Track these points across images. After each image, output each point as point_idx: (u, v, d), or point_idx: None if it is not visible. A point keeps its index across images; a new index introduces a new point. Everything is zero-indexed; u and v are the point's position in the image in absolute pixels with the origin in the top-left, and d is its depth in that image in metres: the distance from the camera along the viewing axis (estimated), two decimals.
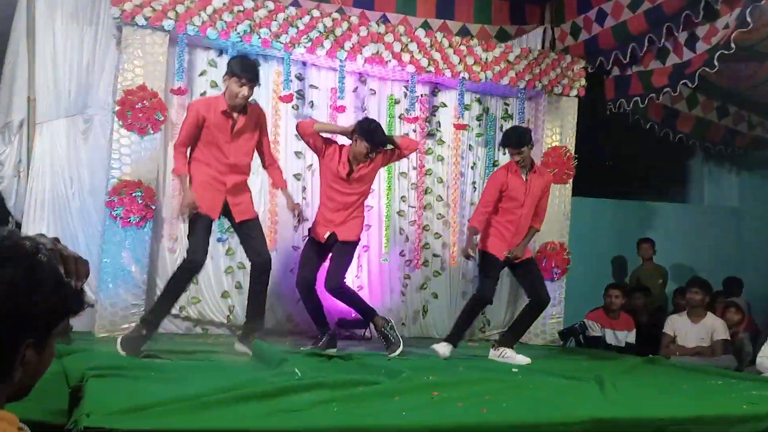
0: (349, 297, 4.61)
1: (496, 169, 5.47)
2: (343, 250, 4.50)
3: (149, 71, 4.89)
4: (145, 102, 4.81)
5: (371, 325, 5.15)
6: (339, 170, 4.42)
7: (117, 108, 4.81)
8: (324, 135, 4.50)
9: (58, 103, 4.91)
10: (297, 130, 4.56)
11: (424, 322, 5.99)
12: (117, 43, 5.00)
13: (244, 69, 3.93)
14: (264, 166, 4.37)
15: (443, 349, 4.62)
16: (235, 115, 3.99)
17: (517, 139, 4.64)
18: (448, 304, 6.06)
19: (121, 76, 4.86)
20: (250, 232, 4.15)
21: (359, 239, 4.67)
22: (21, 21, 4.82)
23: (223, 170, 4.01)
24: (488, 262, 4.75)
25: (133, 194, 4.73)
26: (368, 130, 4.35)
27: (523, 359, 4.61)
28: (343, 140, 4.58)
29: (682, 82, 5.54)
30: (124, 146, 4.82)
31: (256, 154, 4.23)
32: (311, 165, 5.58)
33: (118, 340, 3.87)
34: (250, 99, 4.03)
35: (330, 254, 4.55)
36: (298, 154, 5.55)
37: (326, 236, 4.47)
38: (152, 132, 4.87)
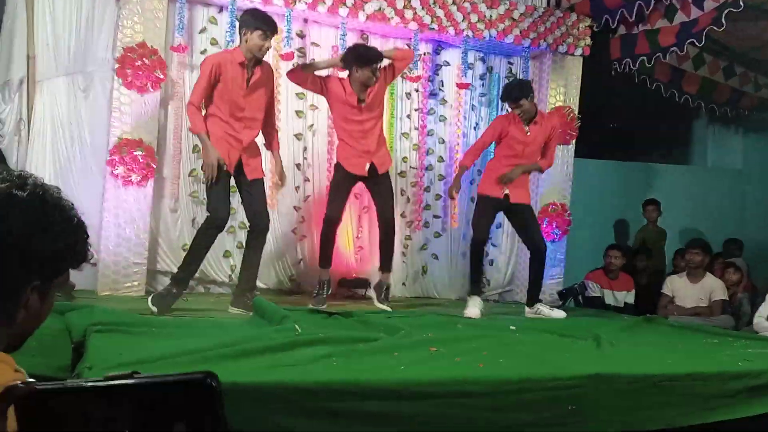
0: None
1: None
2: (388, 185, 4.63)
3: (148, 28, 4.83)
4: (144, 59, 4.77)
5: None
6: (349, 100, 4.44)
7: (117, 66, 4.76)
8: (319, 73, 4.54)
9: (58, 61, 4.86)
10: (291, 80, 4.59)
11: (424, 281, 6.03)
12: (116, 0, 4.92)
13: (267, 21, 3.98)
14: (263, 128, 4.35)
15: (473, 309, 4.69)
16: (250, 68, 4.03)
17: (516, 92, 4.67)
18: (448, 265, 6.09)
19: (120, 33, 4.80)
20: (254, 192, 4.19)
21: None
22: None
23: (238, 125, 4.06)
24: (481, 203, 4.84)
25: (134, 153, 4.72)
26: (363, 55, 4.39)
27: (558, 313, 4.81)
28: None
29: (689, 40, 5.45)
30: (125, 104, 4.79)
31: None
32: (312, 125, 5.55)
33: (149, 298, 3.97)
34: None
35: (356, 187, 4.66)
36: (298, 113, 5.52)
37: (367, 167, 4.50)
38: (152, 90, 4.83)
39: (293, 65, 5.41)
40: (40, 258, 1.04)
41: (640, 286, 6.25)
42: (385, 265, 4.77)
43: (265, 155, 4.50)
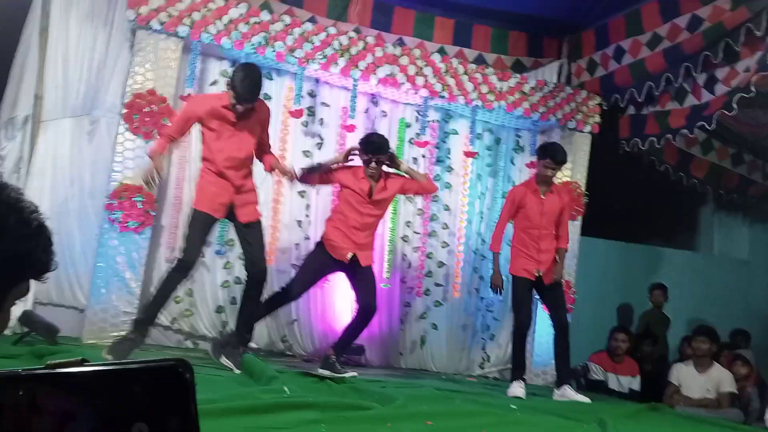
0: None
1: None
2: (371, 275, 4.43)
3: (160, 76, 4.84)
4: (153, 106, 4.75)
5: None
6: (361, 188, 4.34)
7: (124, 111, 4.74)
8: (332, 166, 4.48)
9: (66, 103, 4.85)
10: (303, 182, 4.54)
11: (421, 353, 5.81)
12: (130, 47, 4.96)
13: (240, 87, 3.82)
14: (258, 157, 4.20)
15: (514, 389, 4.57)
16: (238, 107, 3.90)
17: (563, 155, 4.71)
18: (447, 336, 5.88)
19: (131, 79, 4.80)
20: (249, 237, 4.06)
21: None
22: (35, 17, 4.79)
23: (227, 166, 3.95)
24: (517, 286, 4.76)
25: (134, 199, 4.63)
26: (368, 142, 4.37)
27: (583, 398, 4.61)
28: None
29: (699, 124, 5.45)
30: (129, 150, 4.74)
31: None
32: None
33: (104, 348, 3.75)
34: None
35: (333, 274, 4.53)
36: (302, 170, 5.43)
37: (349, 257, 4.32)
38: (158, 137, 4.78)
39: (302, 123, 5.43)
40: None
41: (644, 373, 6.02)
42: (340, 348, 4.43)
43: (267, 206, 4.39)
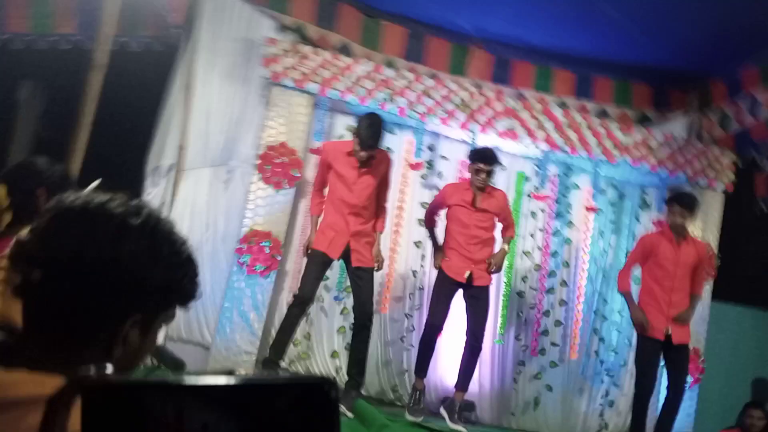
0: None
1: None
2: (484, 300, 4.52)
3: (291, 130, 5.14)
4: (284, 158, 5.04)
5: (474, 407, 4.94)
6: (464, 199, 4.49)
7: (258, 161, 5.06)
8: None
9: (206, 153, 5.24)
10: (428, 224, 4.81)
11: (535, 415, 5.58)
12: (264, 102, 5.31)
13: (360, 125, 4.19)
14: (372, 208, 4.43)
15: None
16: (362, 153, 4.18)
17: (692, 201, 4.54)
18: (563, 399, 5.62)
19: (264, 133, 5.13)
20: (359, 281, 4.22)
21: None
22: (181, 76, 5.26)
23: (345, 212, 4.19)
24: (643, 347, 4.51)
25: (262, 243, 4.88)
26: (476, 151, 4.60)
27: None
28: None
29: None
30: (260, 198, 5.03)
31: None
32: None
33: None
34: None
35: (462, 295, 4.53)
36: (420, 221, 5.52)
37: (466, 276, 4.41)
38: (287, 186, 5.07)
39: (421, 176, 5.54)
40: (144, 290, 0.97)
41: None
42: (461, 383, 4.54)
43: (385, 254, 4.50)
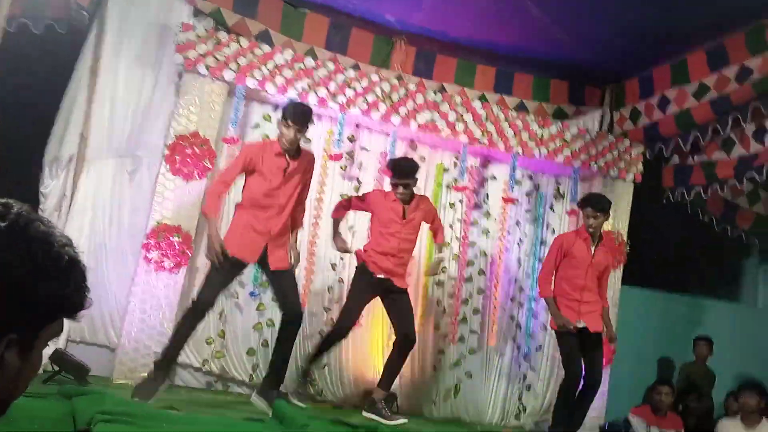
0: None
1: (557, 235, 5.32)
2: (407, 302, 4.55)
3: (203, 119, 4.92)
4: (195, 148, 4.82)
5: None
6: (394, 208, 4.48)
7: (166, 152, 4.81)
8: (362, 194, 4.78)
9: (110, 143, 4.94)
10: (335, 217, 4.71)
11: (455, 402, 5.65)
12: (176, 89, 5.05)
13: (293, 113, 3.99)
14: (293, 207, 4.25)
15: None
16: (287, 157, 4.01)
17: (604, 203, 4.63)
18: (482, 385, 5.72)
19: (175, 121, 4.88)
20: (283, 283, 4.06)
21: None
22: (86, 59, 4.92)
23: (265, 215, 3.99)
24: (562, 339, 4.63)
25: (171, 239, 4.66)
26: (393, 163, 4.59)
27: None
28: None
29: (748, 175, 5.29)
30: (168, 190, 4.79)
31: None
32: (352, 226, 5.44)
33: (132, 390, 3.78)
34: (300, 143, 4.08)
35: (374, 297, 4.55)
36: None
37: (381, 276, 4.43)
38: (198, 178, 4.85)
39: (341, 167, 5.44)
40: (17, 306, 0.83)
41: (688, 429, 5.75)
42: (386, 382, 4.53)
43: (303, 249, 4.38)
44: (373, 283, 4.45)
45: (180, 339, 3.94)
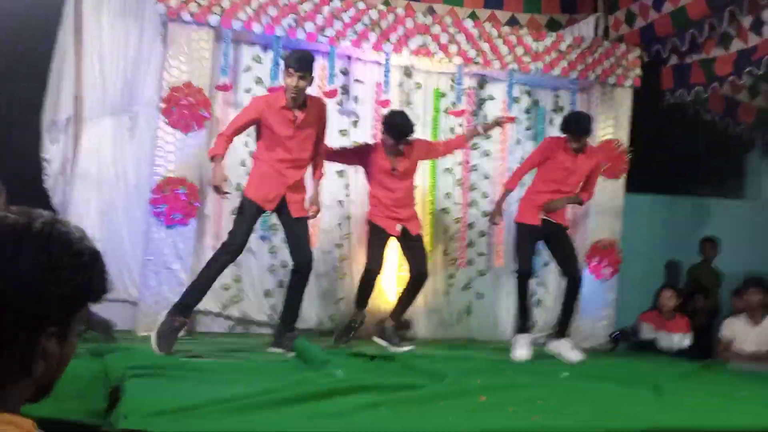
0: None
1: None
2: (420, 243, 4.75)
3: (194, 68, 4.87)
4: (190, 98, 4.79)
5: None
6: (383, 164, 4.55)
7: (162, 105, 4.79)
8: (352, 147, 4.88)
9: (104, 101, 4.93)
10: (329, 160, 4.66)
11: (468, 322, 5.82)
12: (162, 40, 4.98)
13: (298, 60, 3.95)
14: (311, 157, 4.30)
15: (518, 351, 4.56)
16: (295, 110, 4.00)
17: (581, 128, 4.58)
18: (493, 305, 5.88)
19: (166, 73, 4.84)
20: (297, 230, 4.14)
21: None
22: (68, 18, 4.84)
23: (282, 166, 4.05)
24: (520, 233, 4.72)
25: (177, 191, 4.71)
26: (390, 124, 4.49)
27: (575, 355, 4.60)
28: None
29: (747, 69, 5.23)
30: (169, 143, 4.80)
31: None
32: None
33: (153, 340, 3.79)
34: (306, 91, 4.04)
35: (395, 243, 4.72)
36: (340, 149, 5.43)
37: (399, 229, 4.60)
38: (197, 128, 4.85)
39: (337, 102, 5.40)
40: (52, 302, 0.94)
41: (696, 328, 5.93)
42: (398, 313, 4.78)
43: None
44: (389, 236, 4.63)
45: (206, 282, 3.98)
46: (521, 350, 4.52)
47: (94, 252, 1.01)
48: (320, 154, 4.32)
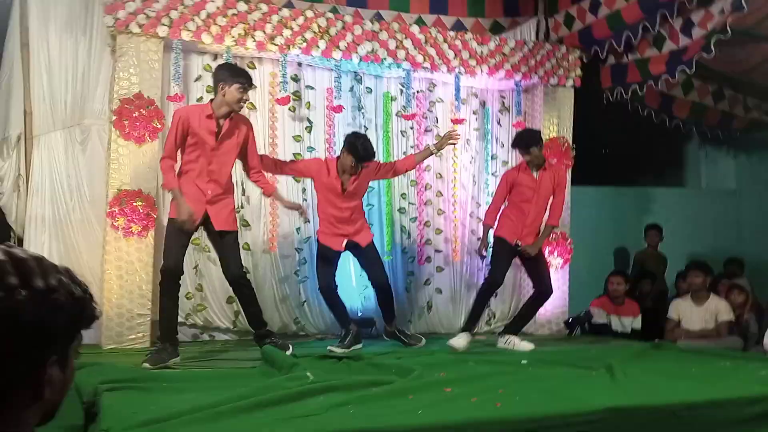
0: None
1: (506, 169, 5.57)
2: (374, 252, 4.83)
3: (145, 79, 4.86)
4: (141, 110, 4.78)
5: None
6: (333, 184, 4.60)
7: (114, 118, 4.77)
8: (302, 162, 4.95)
9: (55, 115, 4.86)
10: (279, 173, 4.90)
11: (429, 317, 5.99)
12: (111, 52, 4.96)
13: (245, 75, 4.03)
14: (248, 176, 4.42)
15: (460, 341, 4.73)
16: (221, 120, 4.06)
17: (525, 141, 4.91)
18: (452, 299, 6.06)
19: (116, 85, 4.82)
20: (223, 244, 4.17)
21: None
22: (15, 33, 4.77)
23: (205, 180, 4.06)
24: (498, 247, 4.97)
25: (134, 204, 4.70)
26: (355, 145, 4.52)
27: (527, 345, 4.82)
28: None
29: (679, 68, 5.54)
30: (123, 156, 4.78)
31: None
32: None
33: (145, 361, 3.87)
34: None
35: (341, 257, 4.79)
36: (296, 155, 5.51)
37: (344, 244, 4.68)
38: (150, 140, 4.84)
39: (289, 108, 5.46)
40: (53, 337, 1.02)
41: (645, 311, 6.23)
42: (389, 317, 4.98)
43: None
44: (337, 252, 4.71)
45: (168, 310, 4.03)
46: (460, 340, 4.72)
47: (82, 285, 1.09)
48: (258, 170, 4.36)
